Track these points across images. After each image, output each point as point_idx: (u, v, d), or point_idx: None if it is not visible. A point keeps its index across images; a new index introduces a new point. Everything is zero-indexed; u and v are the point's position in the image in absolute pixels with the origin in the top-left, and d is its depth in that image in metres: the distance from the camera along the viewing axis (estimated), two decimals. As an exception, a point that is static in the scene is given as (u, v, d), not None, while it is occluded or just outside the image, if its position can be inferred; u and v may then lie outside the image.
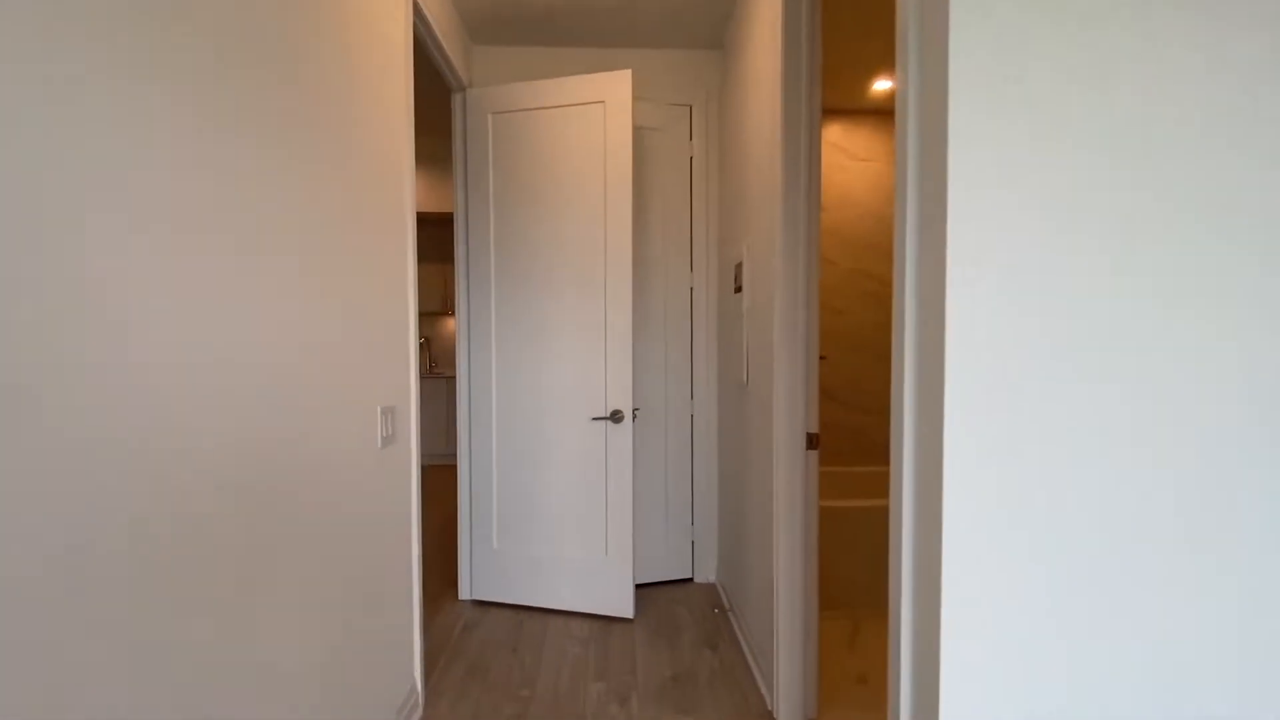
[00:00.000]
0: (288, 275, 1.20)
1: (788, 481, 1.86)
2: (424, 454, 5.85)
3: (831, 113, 3.27)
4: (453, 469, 5.72)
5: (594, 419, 2.52)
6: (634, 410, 2.53)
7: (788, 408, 1.85)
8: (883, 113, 3.26)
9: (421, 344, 6.26)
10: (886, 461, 3.33)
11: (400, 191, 1.85)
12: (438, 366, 6.25)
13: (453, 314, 6.14)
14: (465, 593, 2.77)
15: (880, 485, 3.21)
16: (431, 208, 5.68)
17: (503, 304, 2.62)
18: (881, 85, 3.05)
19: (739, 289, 2.40)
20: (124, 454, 0.81)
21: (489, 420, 2.66)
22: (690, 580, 2.98)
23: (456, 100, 2.67)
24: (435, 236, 6.10)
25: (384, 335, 1.74)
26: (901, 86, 0.98)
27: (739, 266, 2.39)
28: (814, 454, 1.88)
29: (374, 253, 1.66)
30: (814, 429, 1.87)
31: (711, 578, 2.96)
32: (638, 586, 2.92)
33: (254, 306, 1.09)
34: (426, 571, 3.19)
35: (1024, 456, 0.88)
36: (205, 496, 0.96)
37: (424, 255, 6.09)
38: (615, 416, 2.50)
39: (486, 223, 2.62)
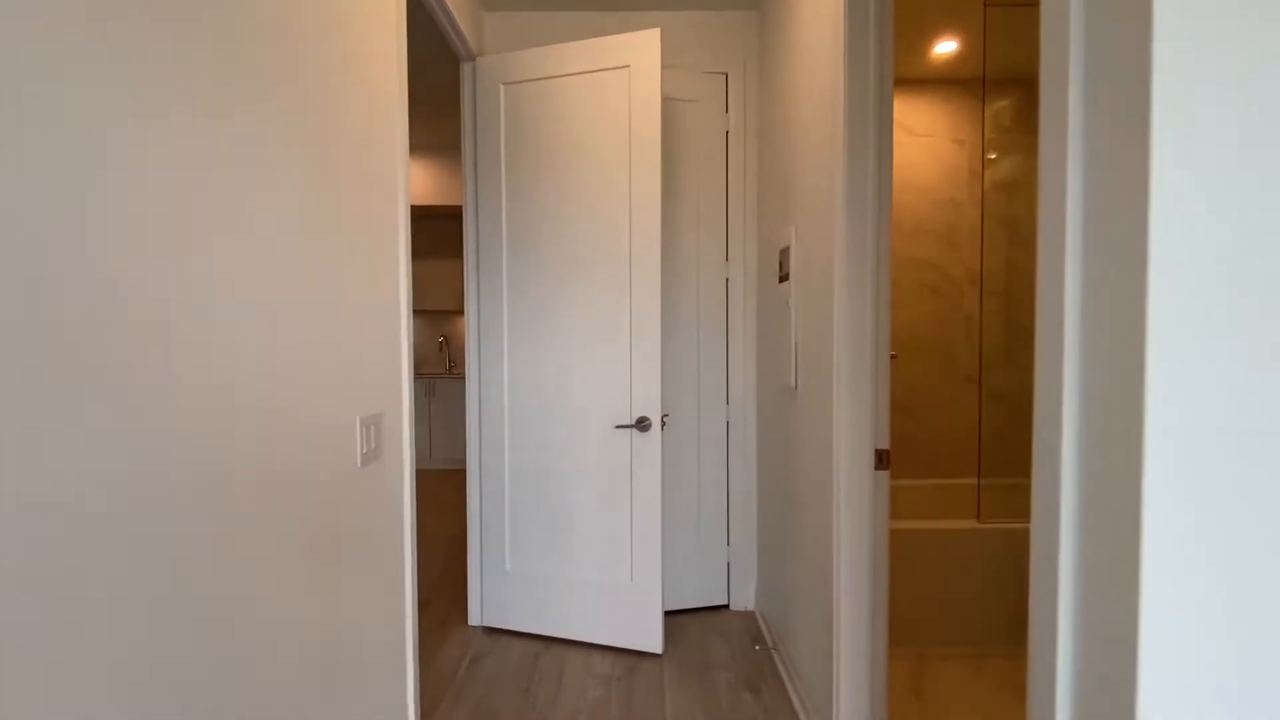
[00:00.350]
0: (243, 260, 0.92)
1: (852, 504, 1.54)
2: (443, 459, 5.63)
3: (883, 84, 2.92)
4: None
5: (618, 427, 2.22)
6: (663, 417, 2.23)
7: (852, 418, 1.53)
8: (945, 82, 2.90)
9: (440, 342, 6.04)
10: (951, 474, 2.96)
11: (386, 165, 1.58)
12: (457, 366, 6.03)
13: (472, 312, 5.91)
14: (475, 618, 2.50)
15: (948, 503, 2.84)
16: (448, 200, 5.45)
17: (516, 298, 2.33)
18: (944, 48, 2.69)
19: (784, 277, 2.07)
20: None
21: (500, 428, 2.38)
22: (726, 607, 2.66)
23: (465, 71, 2.40)
24: (454, 231, 5.87)
25: (366, 335, 1.47)
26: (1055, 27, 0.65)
27: (784, 252, 2.07)
28: (884, 474, 1.55)
29: (355, 242, 1.38)
30: (884, 445, 1.54)
31: (750, 604, 2.64)
32: (667, 614, 2.61)
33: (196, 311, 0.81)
34: (436, 592, 2.92)
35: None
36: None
37: (440, 251, 5.87)
38: (641, 424, 2.20)
39: (498, 207, 2.34)
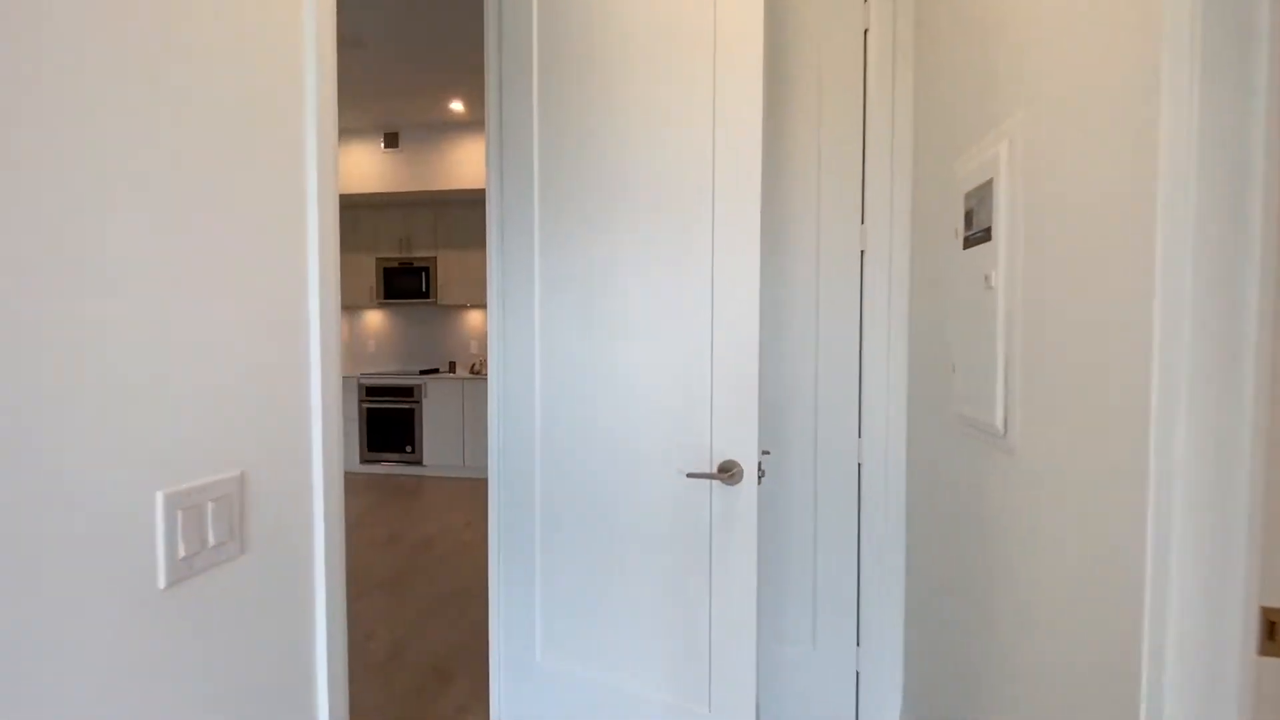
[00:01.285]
0: None
1: (1193, 711, 0.68)
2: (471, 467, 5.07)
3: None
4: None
5: (690, 475, 1.44)
6: (760, 461, 1.42)
7: (1208, 537, 0.66)
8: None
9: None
10: None
11: (283, 141, 0.89)
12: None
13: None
14: (498, 716, 1.82)
15: None
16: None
17: (552, 290, 1.60)
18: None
19: (977, 237, 1.20)
20: None
21: (529, 475, 1.66)
22: (852, 734, 1.82)
23: (484, -39, 1.70)
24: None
25: (215, 355, 0.79)
26: None
27: (980, 192, 1.20)
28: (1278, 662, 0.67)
29: (202, 222, 0.71)
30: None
31: (889, 734, 1.77)
32: (763, 737, 1.80)
33: None
34: (467, 656, 2.29)
35: None
36: None
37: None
38: (727, 472, 1.41)
39: (528, 145, 1.62)
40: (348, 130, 5.48)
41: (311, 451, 0.99)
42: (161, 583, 0.74)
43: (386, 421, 5.70)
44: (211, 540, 0.81)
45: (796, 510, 1.75)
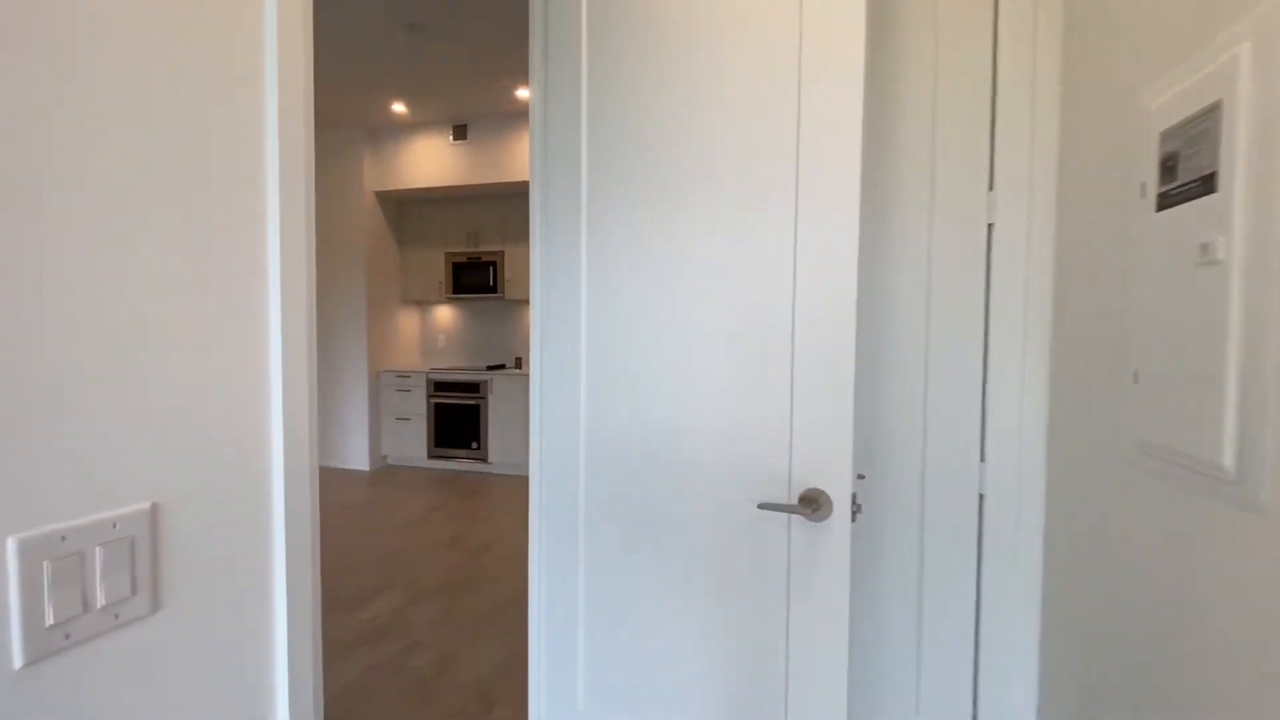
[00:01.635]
0: None
1: None
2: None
3: None
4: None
5: (763, 506, 1.14)
6: (853, 491, 1.11)
7: None
8: None
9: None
10: None
11: (235, 128, 0.67)
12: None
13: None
14: (537, 766, 1.58)
15: None
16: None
17: (600, 279, 1.34)
18: None
19: (1177, 194, 0.84)
20: None
21: (573, 480, 1.41)
22: (964, 832, 1.46)
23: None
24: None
25: (120, 347, 0.58)
26: None
27: (1191, 128, 0.83)
28: None
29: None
30: None
31: (1014, 837, 1.40)
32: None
33: None
34: (512, 667, 2.08)
35: None
36: None
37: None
38: (811, 505, 1.10)
39: (575, 111, 1.36)
40: (418, 124, 5.46)
41: (270, 474, 0.77)
42: (16, 661, 0.53)
43: (453, 418, 5.67)
44: (101, 599, 0.60)
45: (895, 548, 1.41)
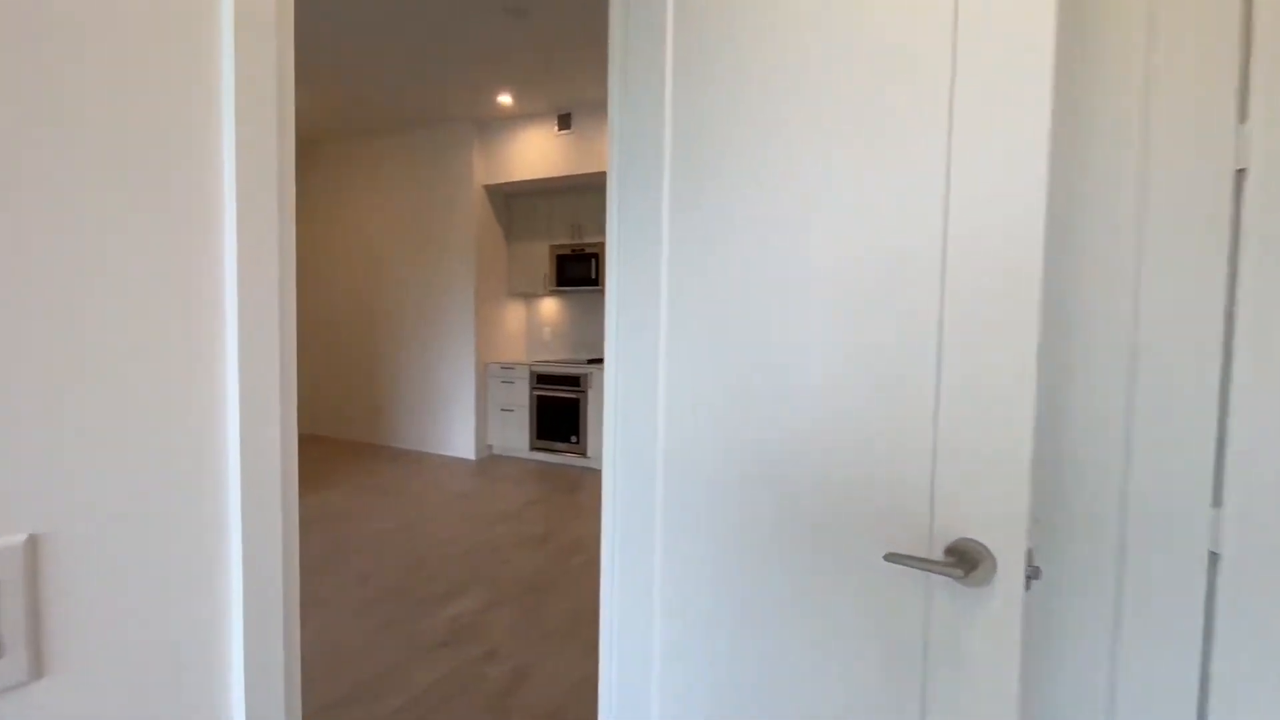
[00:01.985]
0: None
1: None
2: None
3: None
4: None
5: (889, 558, 0.84)
6: (1026, 543, 0.78)
7: None
8: None
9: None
10: None
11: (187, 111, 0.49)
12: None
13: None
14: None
15: None
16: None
17: (684, 274, 1.09)
18: None
19: None
20: None
21: (649, 520, 1.17)
22: None
23: None
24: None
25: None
26: None
27: None
28: None
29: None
30: None
31: None
32: None
33: None
34: (575, 698, 1.90)
35: None
36: None
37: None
38: (963, 562, 0.79)
39: (659, 114, 1.12)
40: (525, 115, 5.46)
41: (224, 497, 0.59)
42: None
43: (554, 411, 5.64)
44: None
45: (1075, 629, 1.04)
